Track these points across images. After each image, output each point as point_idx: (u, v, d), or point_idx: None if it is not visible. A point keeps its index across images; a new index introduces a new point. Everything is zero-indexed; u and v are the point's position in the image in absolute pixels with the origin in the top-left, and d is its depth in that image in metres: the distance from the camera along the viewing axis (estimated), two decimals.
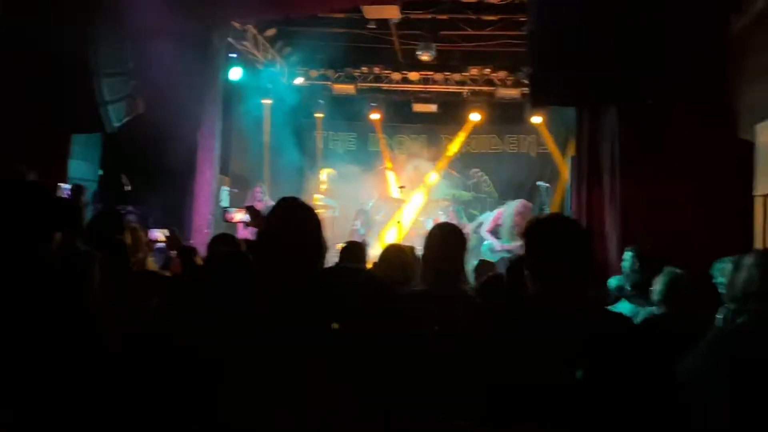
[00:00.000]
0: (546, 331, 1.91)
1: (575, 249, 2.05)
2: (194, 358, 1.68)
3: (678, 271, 3.12)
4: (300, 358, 1.59)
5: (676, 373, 2.09)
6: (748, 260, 2.19)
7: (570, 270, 2.03)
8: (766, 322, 2.10)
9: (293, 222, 1.85)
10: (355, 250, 3.14)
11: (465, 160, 11.92)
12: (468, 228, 10.78)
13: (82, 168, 7.85)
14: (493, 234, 9.00)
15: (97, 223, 2.69)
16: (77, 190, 3.75)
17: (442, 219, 11.16)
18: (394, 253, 3.09)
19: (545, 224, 2.15)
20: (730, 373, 2.00)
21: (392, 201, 9.49)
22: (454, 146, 11.69)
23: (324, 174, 11.59)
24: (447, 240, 2.71)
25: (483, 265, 4.60)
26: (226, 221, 3.99)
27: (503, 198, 10.48)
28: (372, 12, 8.06)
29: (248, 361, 1.60)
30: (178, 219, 8.69)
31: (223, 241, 3.02)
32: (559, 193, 10.06)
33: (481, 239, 9.17)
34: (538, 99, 6.23)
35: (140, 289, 2.41)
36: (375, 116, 11.66)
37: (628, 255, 4.69)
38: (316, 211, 1.93)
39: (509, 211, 9.05)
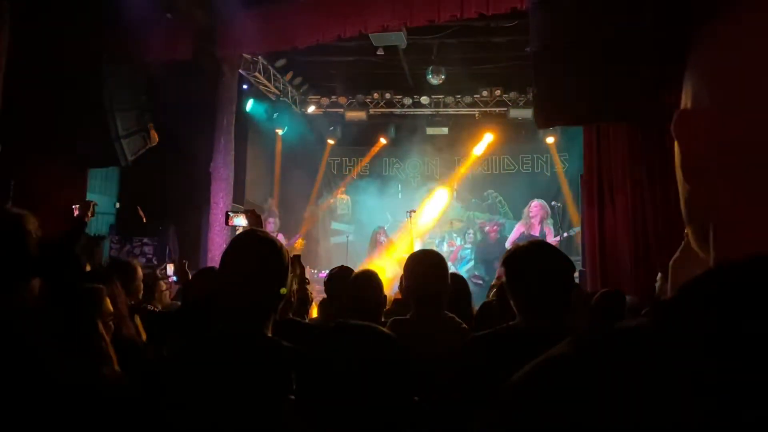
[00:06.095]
0: (522, 359, 1.89)
1: (554, 276, 2.05)
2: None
3: None
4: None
5: None
6: None
7: (549, 297, 2.03)
8: None
9: (247, 262, 1.61)
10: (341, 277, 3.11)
11: (480, 181, 11.88)
12: None
13: (99, 201, 8.01)
14: None
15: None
16: (85, 206, 3.74)
17: (458, 242, 11.12)
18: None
19: (523, 252, 2.14)
20: None
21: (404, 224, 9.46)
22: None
23: (338, 200, 11.63)
24: (418, 265, 2.63)
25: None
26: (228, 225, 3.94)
27: (518, 219, 10.37)
28: (379, 39, 8.15)
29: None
30: (194, 249, 8.82)
31: (206, 277, 2.90)
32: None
33: None
34: (542, 119, 6.21)
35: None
36: (385, 141, 11.73)
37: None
38: (284, 248, 1.68)
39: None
